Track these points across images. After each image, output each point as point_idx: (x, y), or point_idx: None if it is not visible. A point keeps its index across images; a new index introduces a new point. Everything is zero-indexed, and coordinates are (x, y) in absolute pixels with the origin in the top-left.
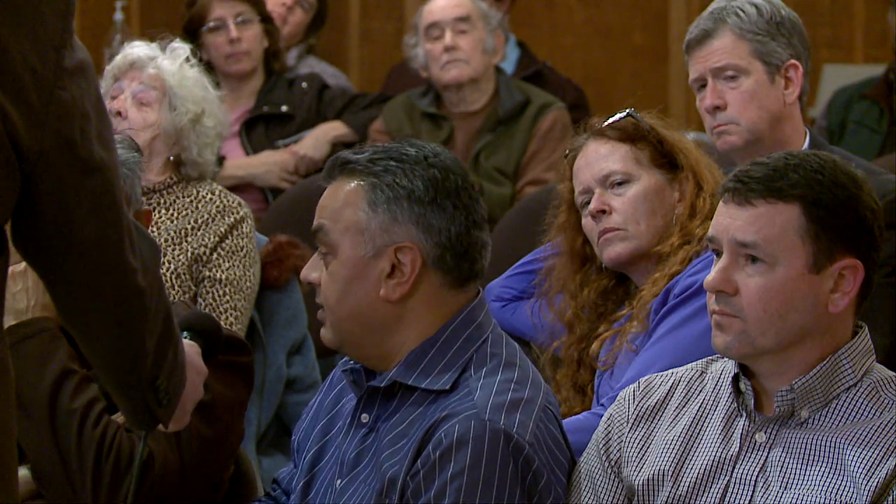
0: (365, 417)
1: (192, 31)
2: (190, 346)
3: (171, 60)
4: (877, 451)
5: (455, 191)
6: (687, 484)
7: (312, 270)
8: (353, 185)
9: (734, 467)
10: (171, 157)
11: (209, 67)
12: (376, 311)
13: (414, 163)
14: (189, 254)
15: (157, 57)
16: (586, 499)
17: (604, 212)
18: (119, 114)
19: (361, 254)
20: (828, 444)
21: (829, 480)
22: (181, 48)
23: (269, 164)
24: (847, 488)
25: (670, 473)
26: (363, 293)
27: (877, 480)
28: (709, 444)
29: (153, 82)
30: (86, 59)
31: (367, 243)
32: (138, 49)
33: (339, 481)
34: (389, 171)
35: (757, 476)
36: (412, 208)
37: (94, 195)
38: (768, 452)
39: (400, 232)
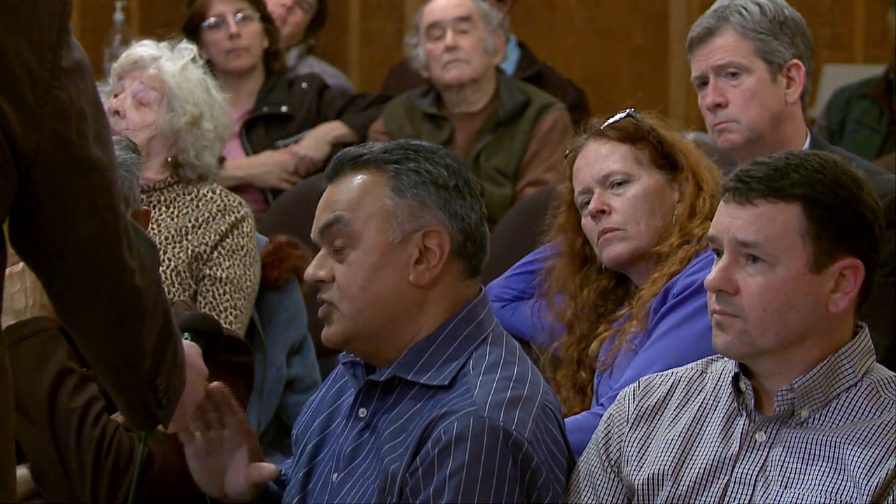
0: (363, 412)
1: (192, 29)
2: (190, 347)
3: (173, 61)
4: (877, 451)
5: (467, 181)
6: (687, 483)
7: (319, 268)
8: (368, 175)
9: (734, 467)
10: (170, 158)
11: (209, 66)
12: (403, 297)
13: (431, 152)
14: (189, 252)
15: (160, 57)
16: (586, 498)
17: (603, 212)
18: (117, 113)
19: (389, 239)
20: (828, 443)
21: (829, 480)
22: (188, 49)
23: (269, 164)
24: (847, 488)
25: (670, 473)
26: (391, 279)
27: (877, 480)
28: (709, 444)
29: (153, 83)
30: (83, 59)
31: (396, 229)
32: (143, 48)
33: (335, 475)
34: (410, 159)
35: (757, 475)
36: (439, 193)
37: (91, 195)
38: (768, 452)
39: (428, 216)
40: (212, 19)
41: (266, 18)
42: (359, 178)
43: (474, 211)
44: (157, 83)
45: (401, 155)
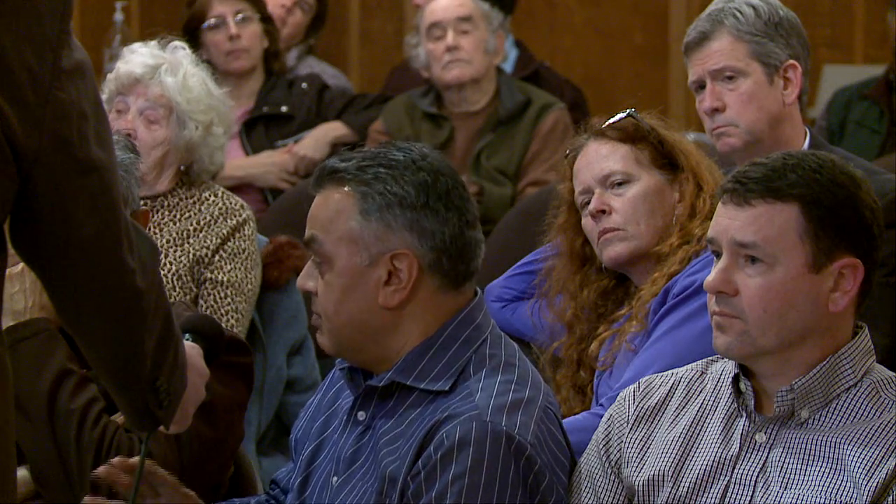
0: (361, 415)
1: (192, 31)
2: (191, 348)
3: (173, 72)
4: (877, 451)
5: (446, 192)
6: (687, 484)
7: (308, 279)
8: (342, 193)
9: (734, 467)
10: (183, 167)
11: (208, 65)
12: (374, 319)
13: (403, 168)
14: (191, 255)
15: (160, 67)
16: (586, 499)
17: (604, 212)
18: (129, 135)
19: (357, 262)
20: (828, 444)
21: (829, 480)
22: (181, 48)
23: (268, 164)
24: (847, 488)
25: (670, 474)
26: (361, 301)
27: (877, 480)
28: (709, 445)
29: (159, 100)
30: (84, 60)
31: (363, 252)
32: (139, 58)
33: (335, 479)
34: (379, 179)
35: (757, 476)
36: (405, 214)
37: (92, 195)
38: (768, 453)
39: (394, 239)
40: (212, 20)
41: (266, 19)
42: (334, 196)
43: (450, 224)
44: (164, 100)
45: (372, 175)
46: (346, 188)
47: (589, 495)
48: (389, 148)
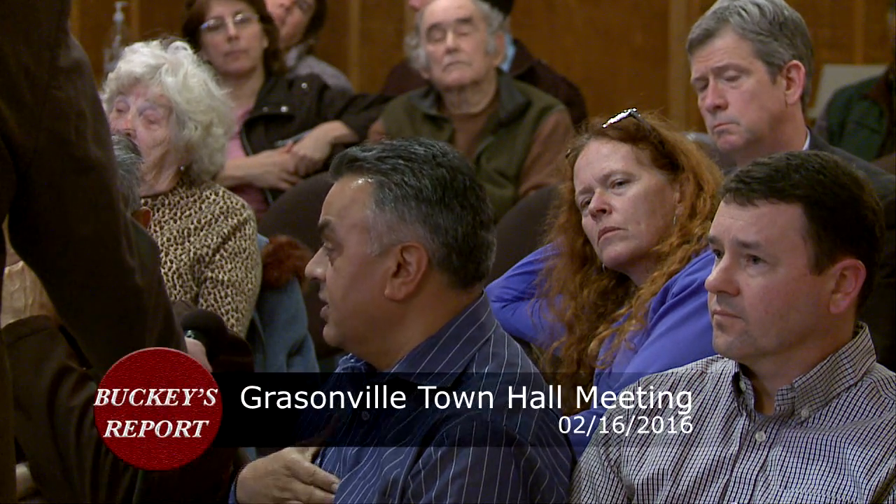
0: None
1: (191, 31)
2: (194, 345)
3: (174, 72)
4: (877, 451)
5: (463, 191)
6: (686, 483)
7: (317, 266)
8: (360, 182)
9: (734, 466)
10: (182, 167)
11: (208, 65)
12: (380, 309)
13: (423, 162)
14: (191, 254)
15: (160, 67)
16: (586, 498)
17: (604, 211)
18: (128, 134)
19: (367, 251)
20: (828, 443)
21: (829, 479)
22: (182, 48)
23: (269, 164)
24: (847, 487)
25: (670, 472)
26: (368, 291)
27: (877, 480)
28: (709, 444)
29: (159, 100)
30: (81, 59)
31: (374, 241)
32: (140, 58)
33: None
34: (398, 170)
35: (757, 475)
36: (420, 207)
37: (90, 194)
38: (768, 451)
39: (407, 231)
40: (210, 21)
41: (265, 19)
42: (351, 184)
43: (463, 222)
44: (164, 100)
45: (390, 165)
46: (363, 177)
47: (588, 494)
48: (411, 142)
